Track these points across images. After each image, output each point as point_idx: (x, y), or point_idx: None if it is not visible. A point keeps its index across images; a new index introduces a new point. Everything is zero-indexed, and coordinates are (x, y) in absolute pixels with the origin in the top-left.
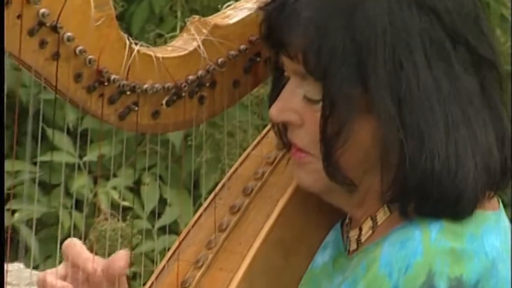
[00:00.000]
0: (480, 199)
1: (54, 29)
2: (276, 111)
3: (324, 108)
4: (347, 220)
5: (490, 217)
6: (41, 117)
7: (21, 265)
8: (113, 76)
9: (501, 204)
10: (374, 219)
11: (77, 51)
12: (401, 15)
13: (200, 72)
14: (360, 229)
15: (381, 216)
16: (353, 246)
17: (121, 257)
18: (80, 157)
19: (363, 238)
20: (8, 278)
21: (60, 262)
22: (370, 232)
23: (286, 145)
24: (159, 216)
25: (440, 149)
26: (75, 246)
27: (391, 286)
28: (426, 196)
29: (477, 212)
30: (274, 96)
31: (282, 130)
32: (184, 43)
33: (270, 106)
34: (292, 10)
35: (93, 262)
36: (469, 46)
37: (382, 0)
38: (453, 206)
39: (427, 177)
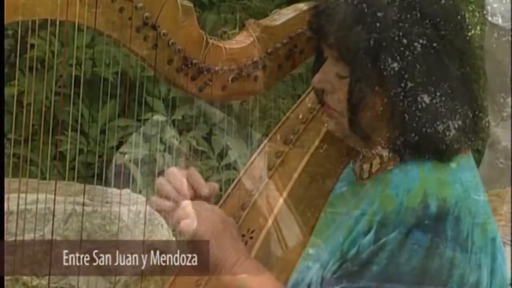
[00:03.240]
0: (460, 149)
1: (154, 27)
2: (317, 80)
3: (351, 83)
4: (360, 156)
5: (463, 158)
6: (144, 89)
7: (130, 191)
8: (194, 61)
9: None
10: (381, 158)
11: (169, 43)
12: (406, 23)
13: (255, 59)
14: (371, 164)
15: (386, 156)
16: (365, 175)
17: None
18: (170, 116)
19: (373, 170)
20: (122, 199)
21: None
22: (379, 166)
23: (321, 103)
24: (224, 157)
25: (431, 116)
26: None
27: (398, 202)
28: (423, 149)
29: None
30: (315, 68)
31: (320, 93)
32: (244, 38)
33: (313, 75)
34: (331, 14)
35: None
36: (454, 45)
37: (392, 11)
38: (440, 153)
39: (422, 136)
